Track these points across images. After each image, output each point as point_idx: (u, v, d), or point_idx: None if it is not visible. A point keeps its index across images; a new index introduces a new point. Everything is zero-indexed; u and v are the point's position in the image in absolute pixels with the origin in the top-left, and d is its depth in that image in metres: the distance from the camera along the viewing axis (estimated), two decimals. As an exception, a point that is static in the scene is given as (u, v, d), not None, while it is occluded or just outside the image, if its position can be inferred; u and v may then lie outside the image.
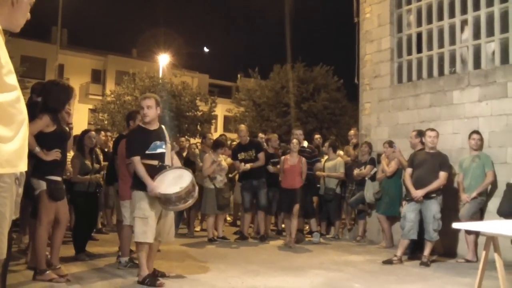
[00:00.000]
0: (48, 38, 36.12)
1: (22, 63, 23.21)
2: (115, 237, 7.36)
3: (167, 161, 5.49)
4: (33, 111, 5.53)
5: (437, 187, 7.23)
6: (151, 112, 5.44)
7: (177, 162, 5.83)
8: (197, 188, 5.40)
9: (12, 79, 2.10)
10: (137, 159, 5.33)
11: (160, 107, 5.59)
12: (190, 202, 5.27)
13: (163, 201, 5.16)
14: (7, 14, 2.23)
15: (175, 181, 5.19)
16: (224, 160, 9.39)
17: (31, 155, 4.86)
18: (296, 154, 8.96)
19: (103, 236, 8.99)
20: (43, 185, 5.19)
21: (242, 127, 10.22)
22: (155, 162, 5.36)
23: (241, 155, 9.50)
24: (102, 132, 9.47)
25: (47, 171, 5.22)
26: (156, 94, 5.99)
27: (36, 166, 5.13)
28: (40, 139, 5.17)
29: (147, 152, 5.36)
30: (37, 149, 5.11)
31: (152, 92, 26.19)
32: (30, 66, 23.49)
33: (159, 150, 5.41)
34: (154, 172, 5.29)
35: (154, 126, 5.56)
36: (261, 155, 9.46)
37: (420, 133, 7.76)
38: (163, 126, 5.69)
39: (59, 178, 5.35)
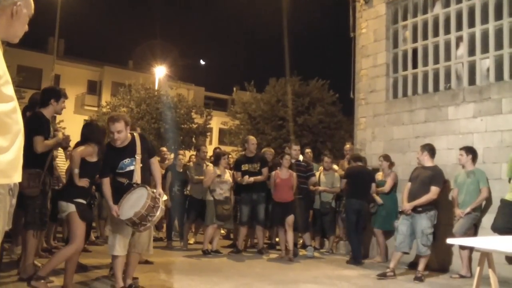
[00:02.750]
0: (45, 48, 36.22)
1: (18, 73, 23.25)
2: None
3: (137, 176, 5.39)
4: (38, 122, 5.60)
5: (426, 201, 7.23)
6: (122, 135, 5.31)
7: (158, 171, 5.71)
8: (160, 199, 5.26)
9: (9, 89, 2.10)
10: (105, 180, 5.39)
11: (129, 126, 5.46)
12: (159, 213, 5.18)
13: (130, 225, 5.15)
14: (6, 25, 2.24)
15: (134, 203, 5.14)
16: (229, 175, 9.32)
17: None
18: (286, 169, 9.01)
19: (96, 247, 8.92)
20: (72, 207, 5.30)
21: (252, 138, 10.04)
22: (123, 180, 5.38)
23: (245, 167, 9.40)
24: None
25: (74, 195, 5.37)
26: (124, 114, 5.76)
27: (64, 190, 5.45)
28: (80, 165, 5.41)
29: (117, 171, 5.40)
30: (76, 170, 5.36)
31: (147, 104, 26.43)
32: (27, 76, 23.51)
33: (127, 169, 5.38)
34: (122, 189, 5.33)
35: (124, 142, 5.42)
36: (265, 170, 9.40)
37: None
38: (135, 135, 5.53)
39: (84, 201, 5.47)
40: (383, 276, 7.18)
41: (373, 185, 8.87)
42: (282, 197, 8.97)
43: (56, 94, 5.98)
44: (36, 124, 5.61)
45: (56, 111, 6.02)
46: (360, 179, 8.78)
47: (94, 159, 5.48)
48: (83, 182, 5.40)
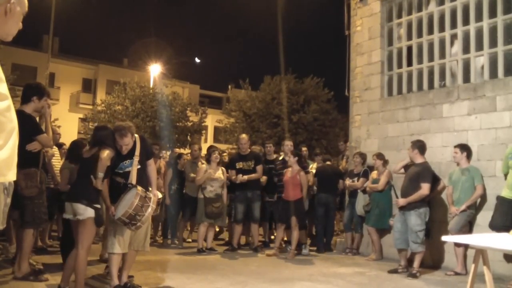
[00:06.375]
0: (40, 46, 36.06)
1: (13, 71, 23.14)
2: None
3: (133, 177, 5.45)
4: (31, 122, 5.57)
5: (419, 197, 7.33)
6: (129, 146, 5.48)
7: (153, 173, 5.78)
8: (151, 198, 5.33)
9: (3, 88, 2.09)
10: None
11: (134, 134, 5.54)
12: (149, 211, 5.24)
13: (122, 224, 5.23)
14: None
15: (126, 202, 5.22)
16: (222, 173, 9.27)
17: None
18: (295, 166, 8.96)
19: (91, 245, 8.90)
20: (91, 212, 5.06)
21: (244, 136, 10.01)
22: (120, 180, 5.47)
23: (240, 165, 9.39)
24: None
25: (94, 200, 5.15)
26: (130, 125, 5.60)
27: (85, 193, 5.09)
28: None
29: (115, 170, 5.46)
30: (101, 174, 5.06)
31: (142, 102, 26.36)
32: (21, 74, 23.36)
33: (126, 170, 5.48)
34: (119, 189, 5.41)
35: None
36: (259, 168, 9.41)
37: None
38: (136, 137, 5.60)
39: (99, 206, 5.31)
40: (394, 272, 7.38)
41: (340, 181, 9.81)
42: (286, 195, 8.93)
43: (39, 91, 5.71)
44: (32, 124, 5.55)
45: (36, 109, 5.67)
46: (325, 176, 9.74)
47: (109, 163, 5.25)
48: (104, 187, 5.25)
